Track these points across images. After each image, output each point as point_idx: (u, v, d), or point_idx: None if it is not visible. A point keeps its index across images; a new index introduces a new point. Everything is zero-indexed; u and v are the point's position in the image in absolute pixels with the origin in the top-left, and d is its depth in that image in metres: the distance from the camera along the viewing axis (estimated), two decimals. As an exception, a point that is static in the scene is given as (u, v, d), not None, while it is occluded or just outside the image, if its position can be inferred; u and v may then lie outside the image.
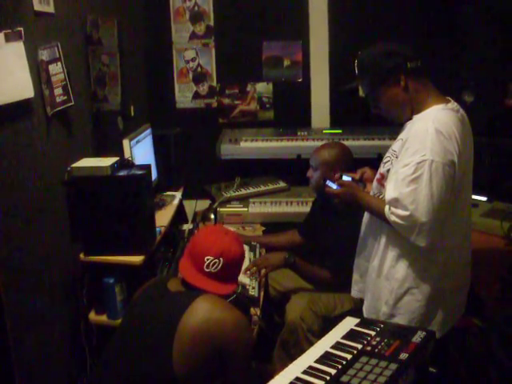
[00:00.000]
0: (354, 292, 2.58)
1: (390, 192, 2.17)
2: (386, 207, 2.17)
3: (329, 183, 2.48)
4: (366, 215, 2.46)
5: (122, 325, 2.19)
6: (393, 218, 2.15)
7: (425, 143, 2.10)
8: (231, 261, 2.09)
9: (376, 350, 1.77)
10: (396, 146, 2.28)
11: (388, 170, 2.28)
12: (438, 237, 2.17)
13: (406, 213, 2.11)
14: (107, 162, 2.66)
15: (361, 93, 2.42)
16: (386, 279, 2.32)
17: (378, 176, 2.37)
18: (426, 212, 2.08)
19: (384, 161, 2.34)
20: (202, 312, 1.95)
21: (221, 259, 2.06)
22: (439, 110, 2.19)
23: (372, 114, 2.38)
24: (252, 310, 2.70)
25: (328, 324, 2.66)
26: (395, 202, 2.14)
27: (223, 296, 2.10)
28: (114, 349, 2.10)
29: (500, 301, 2.80)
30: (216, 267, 2.06)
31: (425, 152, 2.08)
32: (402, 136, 2.26)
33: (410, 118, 2.26)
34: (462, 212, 2.28)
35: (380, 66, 2.24)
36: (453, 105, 2.24)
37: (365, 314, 2.45)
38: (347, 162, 3.00)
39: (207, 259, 2.06)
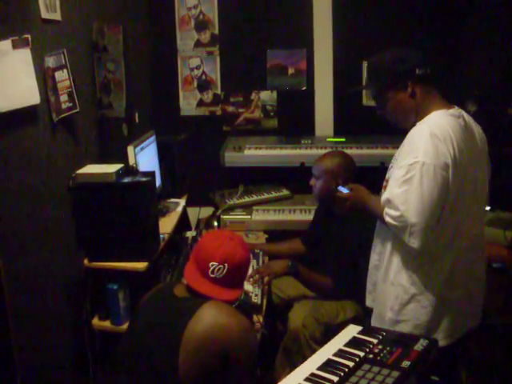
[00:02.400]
0: (369, 302, 2.55)
1: (385, 194, 2.23)
2: (384, 209, 2.21)
3: (340, 188, 2.53)
4: (378, 224, 2.46)
5: (129, 331, 2.19)
6: (387, 219, 2.19)
7: (418, 145, 2.14)
8: (236, 266, 2.07)
9: (378, 358, 1.77)
10: (397, 152, 2.32)
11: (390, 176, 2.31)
12: (437, 243, 2.20)
13: (397, 213, 2.14)
14: (112, 168, 2.68)
15: (364, 101, 2.44)
16: (391, 285, 2.32)
17: (384, 183, 2.39)
18: (416, 213, 2.11)
19: (389, 167, 2.38)
20: (208, 318, 1.94)
21: (225, 265, 2.04)
22: (438, 114, 2.23)
23: (379, 117, 2.41)
24: (255, 318, 2.71)
25: (330, 331, 2.66)
26: (388, 203, 2.19)
27: (228, 302, 2.10)
28: (120, 355, 2.10)
29: (503, 310, 2.81)
30: (221, 273, 2.04)
31: (417, 154, 2.12)
32: (403, 142, 2.30)
33: (414, 125, 2.27)
34: (466, 218, 2.27)
35: (389, 71, 2.29)
36: (455, 111, 2.25)
37: (372, 321, 2.44)
38: (350, 171, 3.01)
39: (212, 265, 2.04)
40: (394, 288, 2.32)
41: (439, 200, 2.13)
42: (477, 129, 2.33)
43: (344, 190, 2.50)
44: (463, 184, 2.20)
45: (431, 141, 2.12)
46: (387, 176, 2.36)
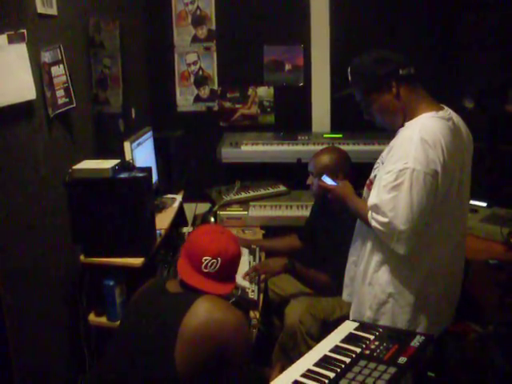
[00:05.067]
0: (345, 296, 2.59)
1: (372, 198, 2.19)
2: (369, 212, 2.19)
3: (325, 178, 2.51)
4: (358, 222, 2.46)
5: (122, 326, 2.19)
6: (373, 224, 2.16)
7: (408, 151, 2.10)
8: (229, 260, 2.10)
9: (375, 354, 1.77)
10: (384, 152, 2.29)
11: (375, 176, 2.29)
12: (418, 245, 2.17)
13: (385, 219, 2.12)
14: (108, 164, 2.67)
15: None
16: (369, 284, 2.33)
17: (367, 182, 2.38)
18: (404, 220, 2.09)
19: (374, 166, 2.36)
20: (203, 313, 1.95)
21: (219, 259, 2.06)
22: (428, 117, 2.19)
23: (365, 120, 2.39)
24: (251, 314, 2.71)
25: (327, 328, 2.66)
26: (376, 208, 2.15)
27: (223, 296, 2.10)
28: (114, 351, 2.10)
29: (499, 306, 2.81)
30: (214, 267, 2.06)
31: (407, 160, 2.08)
32: (391, 143, 2.27)
33: (402, 125, 2.25)
34: (450, 221, 2.27)
35: (372, 73, 2.25)
36: (445, 113, 2.22)
37: (351, 318, 2.43)
38: (346, 167, 3.01)
39: (205, 259, 2.06)
40: (371, 287, 2.33)
41: (427, 207, 2.11)
42: (465, 129, 2.30)
43: (328, 181, 2.49)
44: (450, 188, 2.18)
45: (422, 147, 2.08)
46: (371, 175, 2.35)
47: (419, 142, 2.09)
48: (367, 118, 2.36)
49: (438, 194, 2.13)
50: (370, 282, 2.33)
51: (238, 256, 2.18)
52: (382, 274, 2.29)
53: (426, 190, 2.09)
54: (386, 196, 2.11)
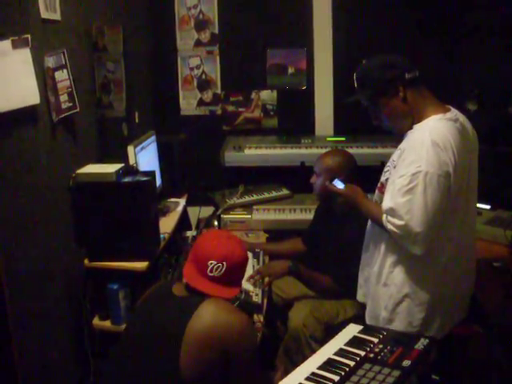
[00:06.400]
0: (360, 296, 2.62)
1: (387, 201, 2.22)
2: (383, 216, 2.22)
3: (336, 182, 2.52)
4: (369, 222, 2.49)
5: (128, 330, 2.19)
6: (389, 227, 2.19)
7: (420, 154, 2.13)
8: (235, 265, 2.10)
9: (379, 357, 1.77)
10: (395, 155, 2.31)
11: (387, 179, 2.31)
12: (434, 245, 2.21)
13: (401, 222, 2.15)
14: (112, 168, 2.68)
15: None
16: (384, 285, 2.36)
17: (378, 185, 2.41)
18: (420, 222, 2.13)
19: (384, 170, 2.39)
20: (209, 316, 1.96)
21: (224, 263, 2.06)
22: (437, 120, 2.22)
23: (374, 126, 2.41)
24: (255, 317, 2.71)
25: (331, 331, 2.66)
26: (391, 212, 2.18)
27: (227, 300, 2.11)
28: (120, 353, 2.10)
29: (502, 308, 2.81)
30: (220, 271, 2.06)
31: (420, 163, 2.12)
32: (401, 146, 2.30)
33: (411, 128, 2.28)
34: (462, 221, 2.30)
35: (378, 78, 2.28)
36: (452, 114, 2.25)
37: (366, 319, 2.48)
38: (351, 169, 3.00)
39: (211, 263, 2.06)
40: (387, 288, 2.35)
41: (441, 208, 2.15)
42: (471, 129, 2.34)
43: (339, 185, 2.51)
44: (460, 188, 2.22)
45: (433, 149, 2.12)
46: (383, 179, 2.37)
47: (430, 144, 2.12)
48: (376, 123, 2.39)
49: (451, 194, 2.17)
50: (386, 283, 2.36)
51: (245, 261, 2.18)
52: (397, 274, 2.32)
53: (440, 191, 2.13)
54: (401, 199, 2.15)
